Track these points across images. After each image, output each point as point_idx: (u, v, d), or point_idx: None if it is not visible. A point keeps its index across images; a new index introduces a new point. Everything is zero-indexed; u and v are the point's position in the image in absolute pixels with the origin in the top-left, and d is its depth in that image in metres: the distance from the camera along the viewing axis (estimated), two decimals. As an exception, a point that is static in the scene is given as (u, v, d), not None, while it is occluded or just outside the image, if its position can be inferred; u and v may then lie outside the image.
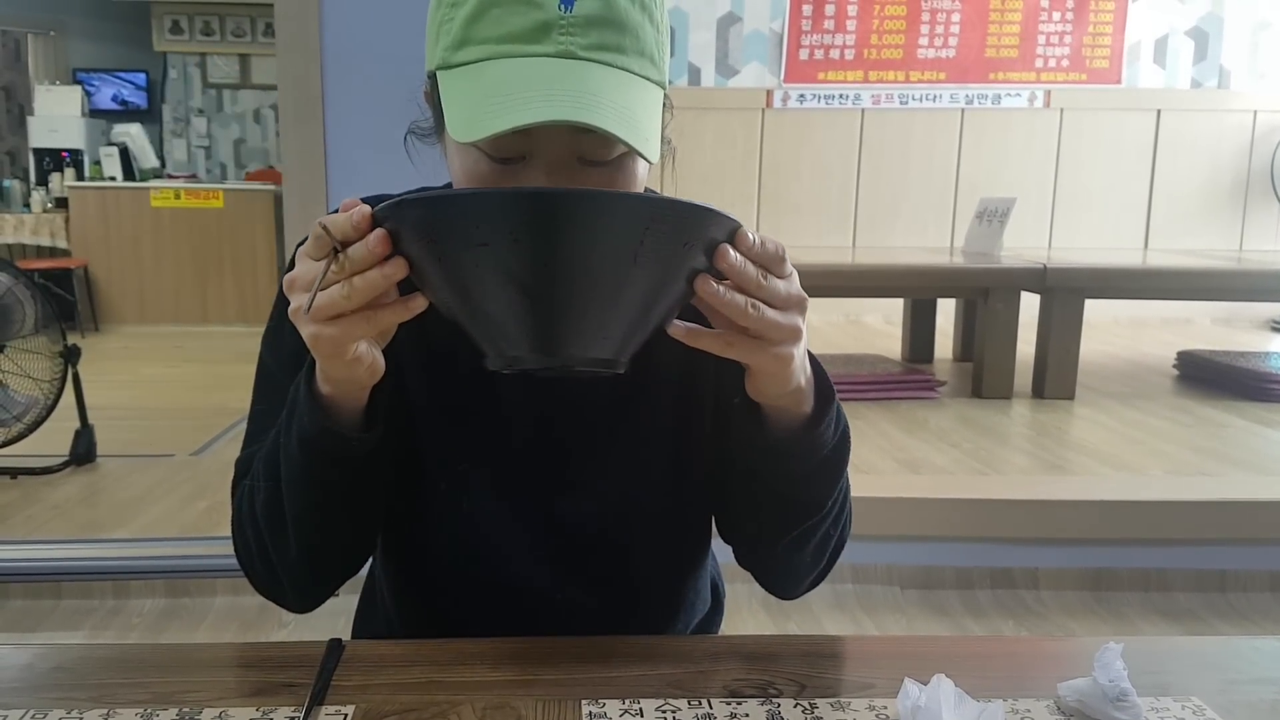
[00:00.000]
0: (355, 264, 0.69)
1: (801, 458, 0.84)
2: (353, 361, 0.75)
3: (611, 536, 0.99)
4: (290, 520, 0.86)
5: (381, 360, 0.77)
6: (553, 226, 0.65)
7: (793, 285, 0.74)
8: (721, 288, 0.70)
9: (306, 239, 0.97)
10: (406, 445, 0.96)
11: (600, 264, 0.66)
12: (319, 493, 0.85)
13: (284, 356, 0.95)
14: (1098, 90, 6.39)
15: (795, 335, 0.74)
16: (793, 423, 0.83)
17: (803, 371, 0.79)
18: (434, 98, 0.85)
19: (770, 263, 0.72)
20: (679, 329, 0.72)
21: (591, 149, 0.79)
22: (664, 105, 0.85)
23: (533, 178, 0.79)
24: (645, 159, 0.76)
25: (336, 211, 0.70)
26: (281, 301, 0.97)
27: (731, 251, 0.69)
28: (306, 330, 0.72)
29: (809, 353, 0.82)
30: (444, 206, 0.67)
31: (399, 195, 0.69)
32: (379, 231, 0.68)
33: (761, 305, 0.71)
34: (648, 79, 0.79)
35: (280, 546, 0.89)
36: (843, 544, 0.96)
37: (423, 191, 1.01)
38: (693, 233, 0.68)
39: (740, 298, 0.70)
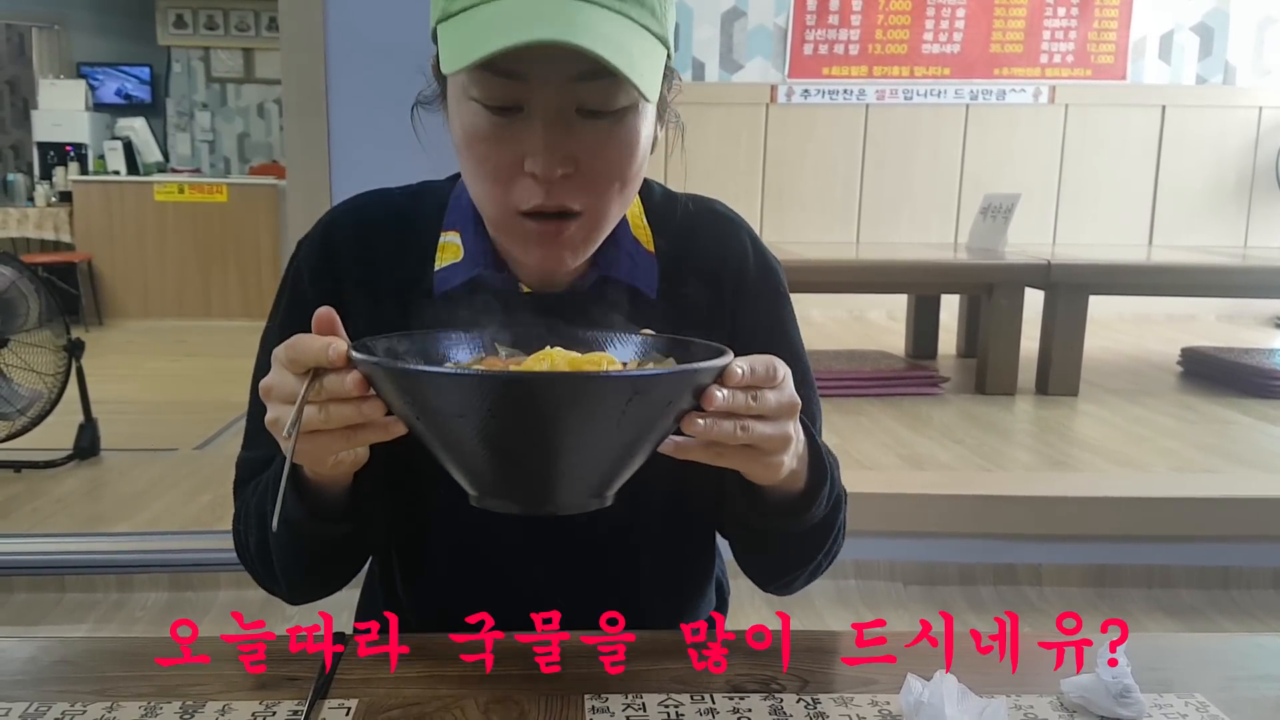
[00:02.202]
0: (331, 394, 0.68)
1: (793, 525, 0.85)
2: (334, 464, 0.75)
3: (618, 538, 0.98)
4: (278, 568, 0.89)
5: (365, 451, 0.76)
6: (530, 408, 0.63)
7: (784, 393, 0.72)
8: (709, 420, 0.68)
9: (291, 266, 0.96)
10: (407, 448, 0.96)
11: (581, 434, 0.65)
12: (305, 558, 0.88)
13: None
14: (1102, 86, 6.37)
15: (785, 444, 0.74)
16: (786, 498, 0.84)
17: (794, 458, 0.78)
18: (438, 67, 0.85)
19: (761, 382, 0.71)
20: (667, 445, 0.71)
21: (591, 97, 0.78)
22: (667, 73, 0.84)
23: (530, 130, 0.78)
24: (643, 96, 0.75)
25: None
26: (279, 304, 0.98)
27: (719, 394, 0.68)
28: (285, 444, 0.71)
29: (806, 428, 0.81)
30: (418, 381, 0.65)
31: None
32: (355, 375, 0.67)
33: (751, 423, 0.71)
34: (647, 29, 0.78)
35: (270, 579, 0.92)
36: (835, 558, 0.97)
37: (425, 184, 1.01)
38: (678, 391, 0.67)
39: (728, 424, 0.69)
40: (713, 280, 0.98)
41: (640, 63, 0.75)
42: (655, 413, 0.67)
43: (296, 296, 0.96)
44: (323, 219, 0.98)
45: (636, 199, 0.99)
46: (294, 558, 0.88)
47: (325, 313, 0.71)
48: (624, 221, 0.96)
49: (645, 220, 0.98)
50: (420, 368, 0.67)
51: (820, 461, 0.85)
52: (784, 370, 0.73)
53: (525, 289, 0.94)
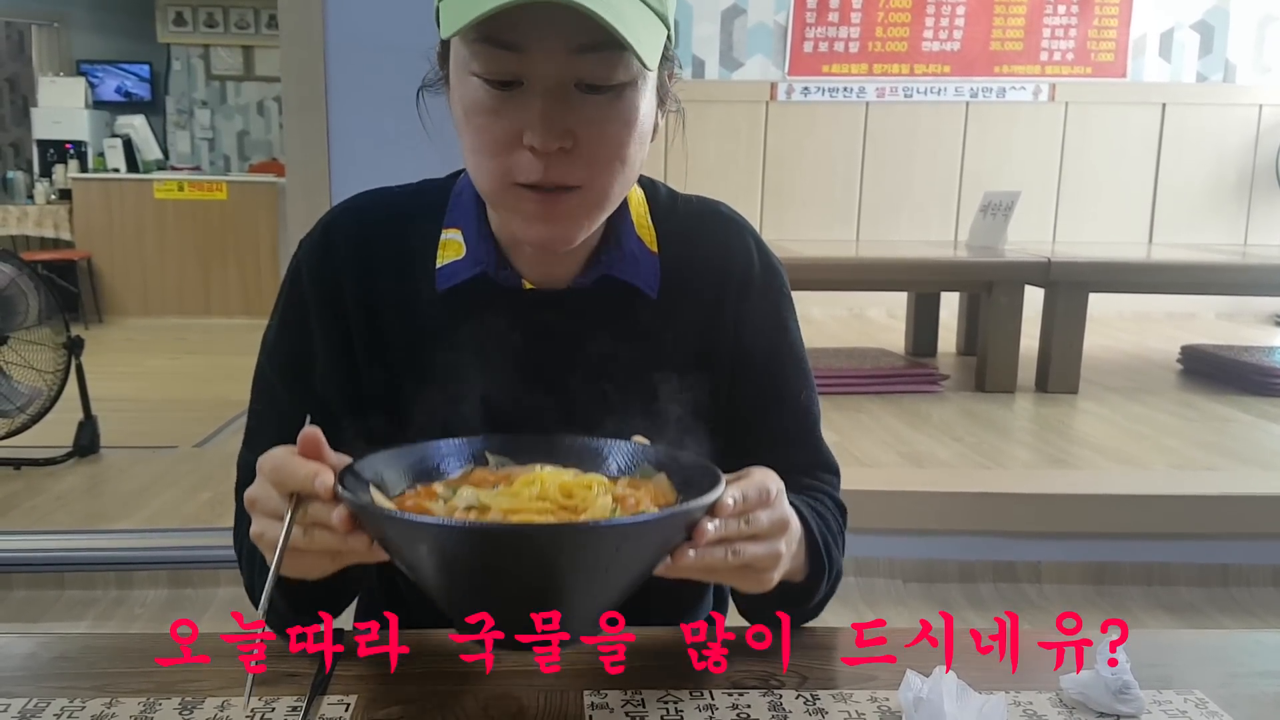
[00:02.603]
0: (315, 521, 0.68)
1: (793, 608, 0.87)
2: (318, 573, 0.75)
3: None
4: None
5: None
6: (516, 559, 0.63)
7: (776, 512, 0.73)
8: (701, 551, 0.68)
9: (281, 300, 0.95)
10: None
11: (569, 579, 0.65)
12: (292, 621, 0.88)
13: (280, 365, 0.96)
14: (1103, 84, 6.36)
15: (776, 561, 0.74)
16: (786, 590, 0.84)
17: (790, 560, 0.78)
18: (444, 55, 0.86)
19: (753, 507, 0.71)
20: (659, 568, 0.71)
21: (590, 71, 0.78)
22: (667, 56, 0.84)
23: (529, 105, 0.78)
24: (641, 62, 0.75)
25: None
26: (279, 304, 0.98)
27: (710, 526, 0.68)
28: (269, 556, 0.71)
29: (803, 516, 0.82)
30: (403, 528, 0.65)
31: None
32: (342, 511, 0.67)
33: (743, 546, 0.71)
34: (646, 4, 0.78)
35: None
36: None
37: (425, 182, 1.01)
38: (669, 532, 0.67)
39: (719, 551, 0.69)
40: (716, 281, 0.98)
41: (639, 31, 0.75)
42: (646, 552, 0.67)
43: (295, 297, 0.96)
44: (323, 218, 0.98)
45: (642, 198, 0.99)
46: (278, 626, 0.89)
47: (311, 434, 0.71)
48: (628, 221, 0.96)
49: (650, 220, 0.98)
50: (406, 516, 0.65)
51: (818, 552, 0.85)
52: (776, 487, 0.73)
53: (528, 285, 0.94)
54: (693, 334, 0.97)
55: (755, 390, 0.99)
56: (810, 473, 1.01)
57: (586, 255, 0.94)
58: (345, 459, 0.73)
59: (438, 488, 0.76)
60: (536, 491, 0.71)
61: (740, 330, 0.99)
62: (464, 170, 0.99)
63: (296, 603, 0.82)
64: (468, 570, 0.65)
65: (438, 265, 0.94)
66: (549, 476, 0.73)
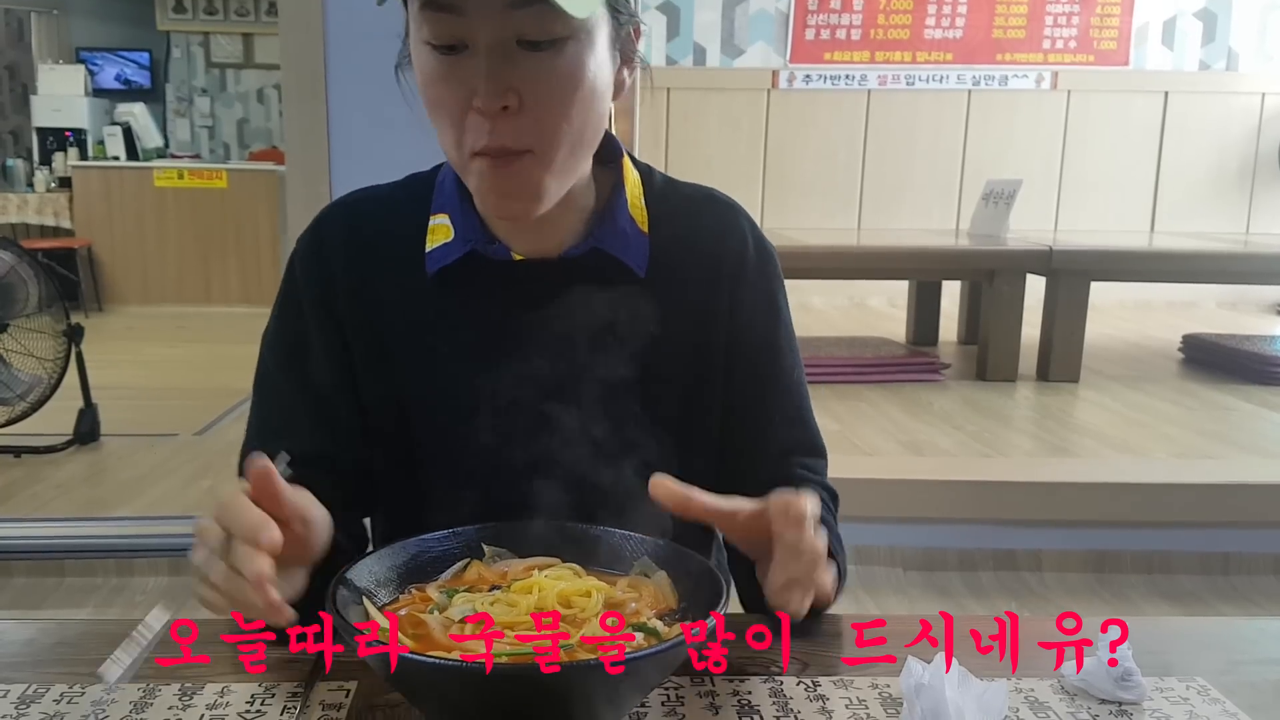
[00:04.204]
0: (235, 568, 0.66)
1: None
2: None
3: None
4: None
5: (318, 547, 0.76)
6: (512, 697, 0.62)
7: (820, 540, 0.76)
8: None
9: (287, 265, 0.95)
10: (407, 445, 0.96)
11: (570, 709, 0.64)
12: None
13: (280, 358, 0.97)
14: (1105, 72, 6.35)
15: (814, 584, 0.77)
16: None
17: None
18: (409, 31, 0.87)
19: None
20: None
21: (527, 26, 0.79)
22: (619, 9, 0.86)
23: (474, 66, 0.80)
24: (566, 11, 0.75)
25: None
26: (277, 301, 0.99)
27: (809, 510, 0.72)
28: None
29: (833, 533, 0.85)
30: (402, 674, 0.63)
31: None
32: (258, 566, 0.64)
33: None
34: None
35: None
36: None
37: (411, 176, 1.01)
38: (675, 659, 0.67)
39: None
40: (711, 264, 0.99)
41: None
42: (649, 675, 0.68)
43: (291, 293, 0.98)
44: (316, 216, 1.00)
45: (638, 180, 0.99)
46: None
47: (261, 471, 0.69)
48: (623, 198, 0.97)
49: (643, 202, 0.98)
50: (409, 657, 0.62)
51: (839, 570, 0.87)
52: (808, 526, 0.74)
53: (518, 256, 0.94)
54: (685, 314, 0.98)
55: (751, 372, 1.00)
56: (802, 455, 1.02)
57: (581, 226, 0.95)
58: (304, 494, 0.73)
59: (433, 593, 0.75)
60: (534, 601, 0.71)
61: (736, 312, 0.99)
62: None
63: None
64: (462, 705, 0.64)
65: (427, 249, 0.95)
66: (547, 584, 0.73)
